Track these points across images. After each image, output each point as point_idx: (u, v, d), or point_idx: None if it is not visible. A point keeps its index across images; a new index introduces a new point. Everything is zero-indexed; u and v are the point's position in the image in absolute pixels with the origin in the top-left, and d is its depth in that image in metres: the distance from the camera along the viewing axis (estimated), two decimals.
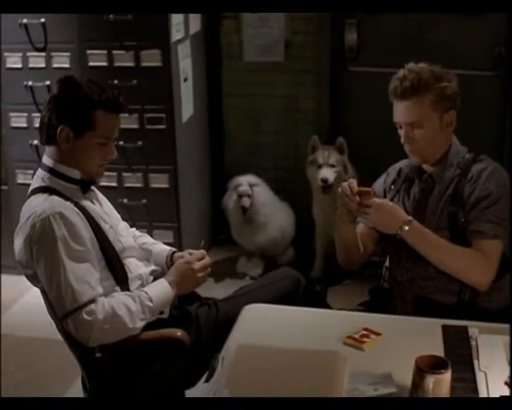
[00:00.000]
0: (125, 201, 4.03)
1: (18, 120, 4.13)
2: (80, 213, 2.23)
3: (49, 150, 2.32)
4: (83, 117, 2.24)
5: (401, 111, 2.40)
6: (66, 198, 2.24)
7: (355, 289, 2.79)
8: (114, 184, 4.04)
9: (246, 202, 4.15)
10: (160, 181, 4.06)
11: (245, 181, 4.20)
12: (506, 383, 1.68)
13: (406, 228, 2.33)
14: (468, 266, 2.33)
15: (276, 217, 4.31)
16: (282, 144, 4.59)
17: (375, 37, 4.38)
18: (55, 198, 2.22)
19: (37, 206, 2.21)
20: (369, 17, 4.35)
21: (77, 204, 2.26)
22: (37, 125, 3.91)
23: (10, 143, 4.18)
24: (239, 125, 4.63)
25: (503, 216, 2.34)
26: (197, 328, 2.38)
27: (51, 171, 2.29)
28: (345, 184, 2.39)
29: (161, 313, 2.31)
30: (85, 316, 2.12)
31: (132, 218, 3.90)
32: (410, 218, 2.35)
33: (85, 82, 2.29)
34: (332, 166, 4.01)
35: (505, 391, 1.69)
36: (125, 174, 4.06)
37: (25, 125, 4.13)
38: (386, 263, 2.65)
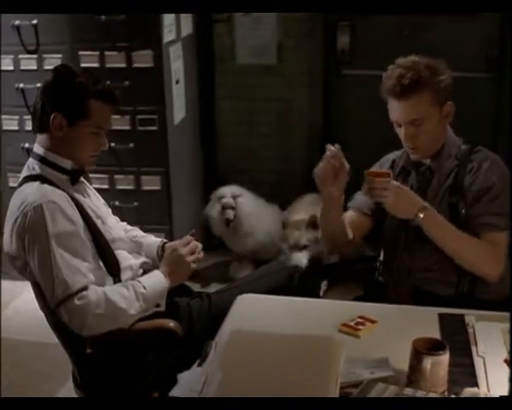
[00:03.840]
0: (117, 203, 3.98)
1: (9, 123, 4.10)
2: (72, 202, 2.21)
3: (40, 138, 2.29)
4: (77, 105, 2.22)
5: (400, 110, 2.36)
6: (58, 187, 2.22)
7: (349, 284, 2.76)
8: (106, 187, 4.00)
9: (229, 213, 4.13)
10: (151, 183, 4.03)
11: (228, 192, 4.17)
12: (506, 361, 1.66)
13: (421, 215, 2.31)
14: (482, 257, 2.32)
15: (264, 222, 4.27)
16: (274, 147, 4.58)
17: (367, 40, 4.39)
18: (48, 187, 2.20)
19: (29, 194, 2.18)
20: (362, 20, 4.36)
21: (67, 194, 2.23)
22: (28, 128, 3.96)
23: (2, 146, 4.14)
24: (231, 128, 4.61)
25: (506, 207, 2.33)
26: (189, 320, 2.35)
27: (42, 159, 2.26)
28: (330, 152, 2.29)
29: (158, 305, 2.27)
30: (78, 302, 2.08)
31: (124, 220, 3.84)
32: (426, 204, 2.33)
33: (81, 71, 2.29)
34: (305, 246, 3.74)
35: (505, 373, 1.66)
36: (116, 176, 4.03)
37: (16, 127, 4.10)
38: (381, 257, 2.63)
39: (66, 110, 2.22)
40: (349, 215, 2.54)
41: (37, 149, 2.29)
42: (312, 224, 3.71)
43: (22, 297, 3.96)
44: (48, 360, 3.35)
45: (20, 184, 2.26)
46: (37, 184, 2.21)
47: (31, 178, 2.24)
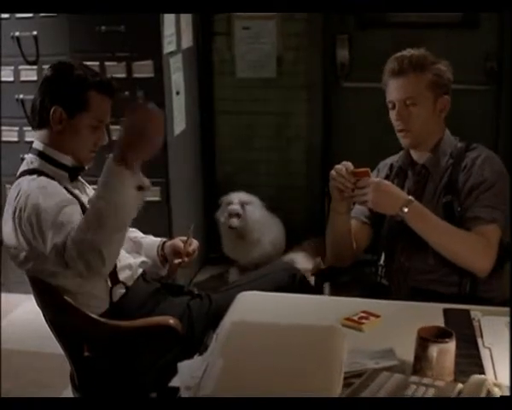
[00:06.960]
0: None
1: (9, 134, 4.08)
2: (69, 194, 2.19)
3: (39, 134, 2.28)
4: (76, 98, 2.22)
5: (397, 87, 2.39)
6: (55, 181, 2.20)
7: (350, 287, 2.72)
8: None
9: (234, 222, 4.12)
10: (151, 194, 3.99)
11: (236, 199, 4.17)
12: None
13: (406, 209, 2.27)
14: (469, 250, 2.27)
15: (269, 231, 4.28)
16: (273, 161, 4.57)
17: (366, 53, 4.39)
18: (44, 178, 2.19)
19: (24, 185, 2.17)
20: (360, 33, 4.38)
21: (65, 188, 2.21)
22: (28, 138, 3.94)
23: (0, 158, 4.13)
24: (231, 141, 4.60)
25: (499, 200, 2.31)
26: (189, 319, 2.32)
27: (41, 154, 2.25)
28: (338, 166, 2.33)
29: (140, 188, 2.13)
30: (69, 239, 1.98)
31: None
32: (410, 198, 2.30)
33: (78, 64, 2.28)
34: None
35: None
36: None
37: (16, 139, 4.08)
38: (381, 261, 2.60)
39: (65, 103, 2.21)
40: (352, 224, 2.52)
41: (37, 144, 2.28)
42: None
43: (18, 310, 3.91)
44: (43, 369, 3.33)
45: (17, 178, 2.24)
46: (33, 176, 2.20)
47: (27, 172, 2.23)
